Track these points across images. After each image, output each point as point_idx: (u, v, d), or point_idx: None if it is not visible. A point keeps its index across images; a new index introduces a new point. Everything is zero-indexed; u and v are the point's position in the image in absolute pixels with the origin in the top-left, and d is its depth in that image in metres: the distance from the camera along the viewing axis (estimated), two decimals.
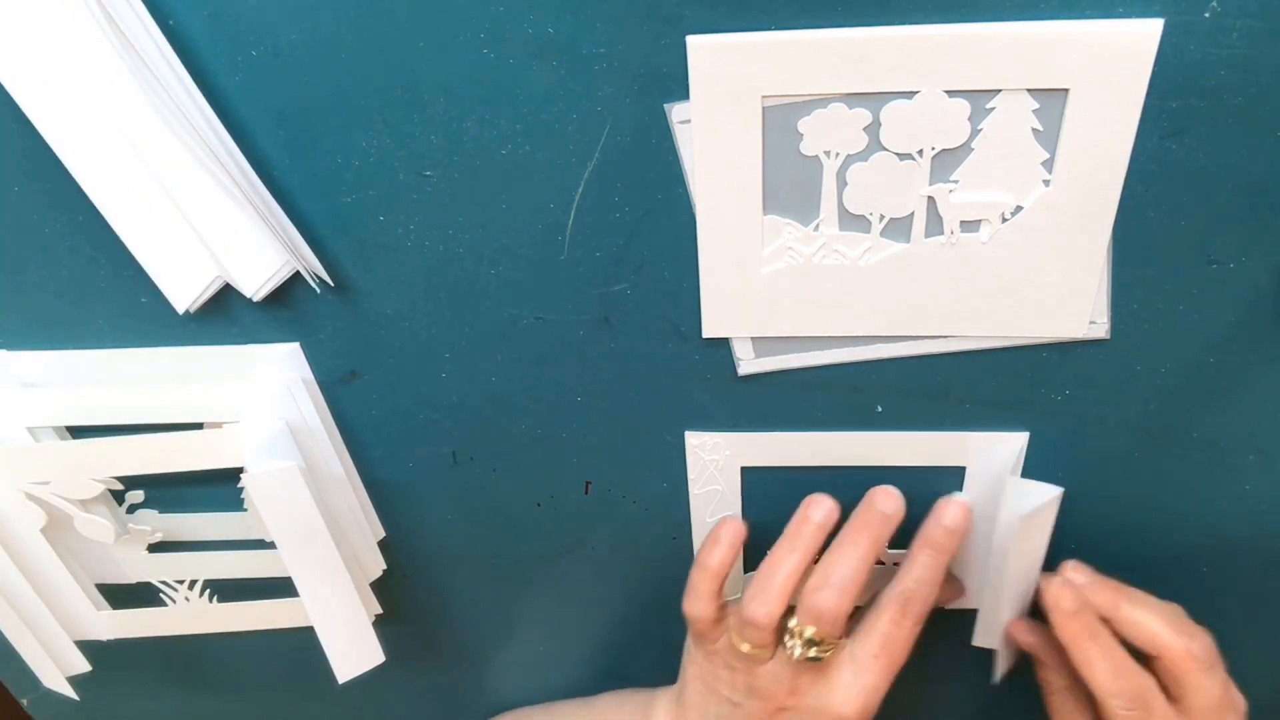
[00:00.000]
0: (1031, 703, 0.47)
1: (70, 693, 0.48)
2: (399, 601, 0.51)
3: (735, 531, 0.42)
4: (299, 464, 0.39)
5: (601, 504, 0.47)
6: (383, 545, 0.49)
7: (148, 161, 0.35)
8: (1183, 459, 0.41)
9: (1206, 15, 0.30)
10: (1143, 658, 0.39)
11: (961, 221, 0.35)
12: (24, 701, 0.57)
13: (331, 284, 0.39)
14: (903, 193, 0.35)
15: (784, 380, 0.41)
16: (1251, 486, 0.42)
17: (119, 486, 0.43)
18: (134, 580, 0.48)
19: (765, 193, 0.35)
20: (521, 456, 0.45)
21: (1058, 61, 0.31)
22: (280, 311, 0.40)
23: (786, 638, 0.41)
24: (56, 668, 0.47)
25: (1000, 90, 0.32)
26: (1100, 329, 0.38)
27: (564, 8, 0.32)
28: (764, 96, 0.33)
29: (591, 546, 0.49)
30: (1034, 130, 0.33)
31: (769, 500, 0.44)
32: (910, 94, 0.32)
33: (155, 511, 0.47)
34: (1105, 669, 0.39)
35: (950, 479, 0.43)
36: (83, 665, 0.48)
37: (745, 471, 0.44)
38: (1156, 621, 0.39)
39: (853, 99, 0.33)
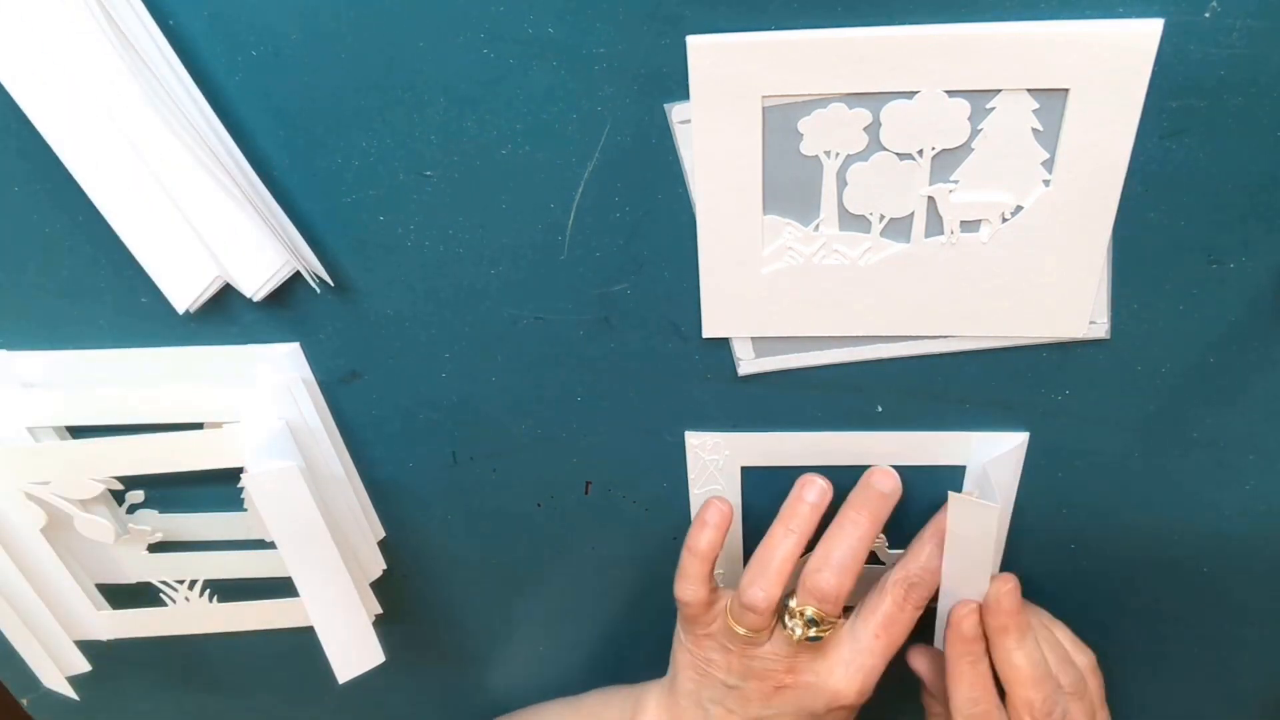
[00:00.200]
0: None
1: (70, 693, 0.48)
2: (399, 601, 0.51)
3: (721, 513, 0.42)
4: (299, 464, 0.39)
5: (601, 504, 0.47)
6: (383, 545, 0.49)
7: (148, 161, 0.35)
8: (1183, 459, 0.41)
9: (1206, 15, 0.30)
10: None
11: (961, 221, 0.35)
12: (24, 701, 0.57)
13: (331, 284, 0.39)
14: (903, 193, 0.35)
15: (784, 380, 0.41)
16: (1251, 486, 0.42)
17: (119, 486, 0.43)
18: (134, 580, 0.48)
19: (765, 193, 0.35)
20: (521, 456, 0.45)
21: (1058, 61, 0.31)
22: (280, 311, 0.40)
23: (786, 618, 0.41)
24: (56, 668, 0.47)
25: (1000, 90, 0.32)
26: (1100, 329, 0.38)
27: (564, 8, 0.32)
28: (764, 96, 0.33)
29: (591, 546, 0.49)
30: (1034, 130, 0.33)
31: (769, 500, 0.44)
32: (910, 94, 0.32)
33: (155, 511, 0.47)
34: (965, 692, 0.41)
35: (950, 479, 0.43)
36: (83, 665, 0.48)
37: (745, 471, 0.44)
38: (1018, 668, 0.40)
39: (853, 99, 0.33)
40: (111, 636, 0.48)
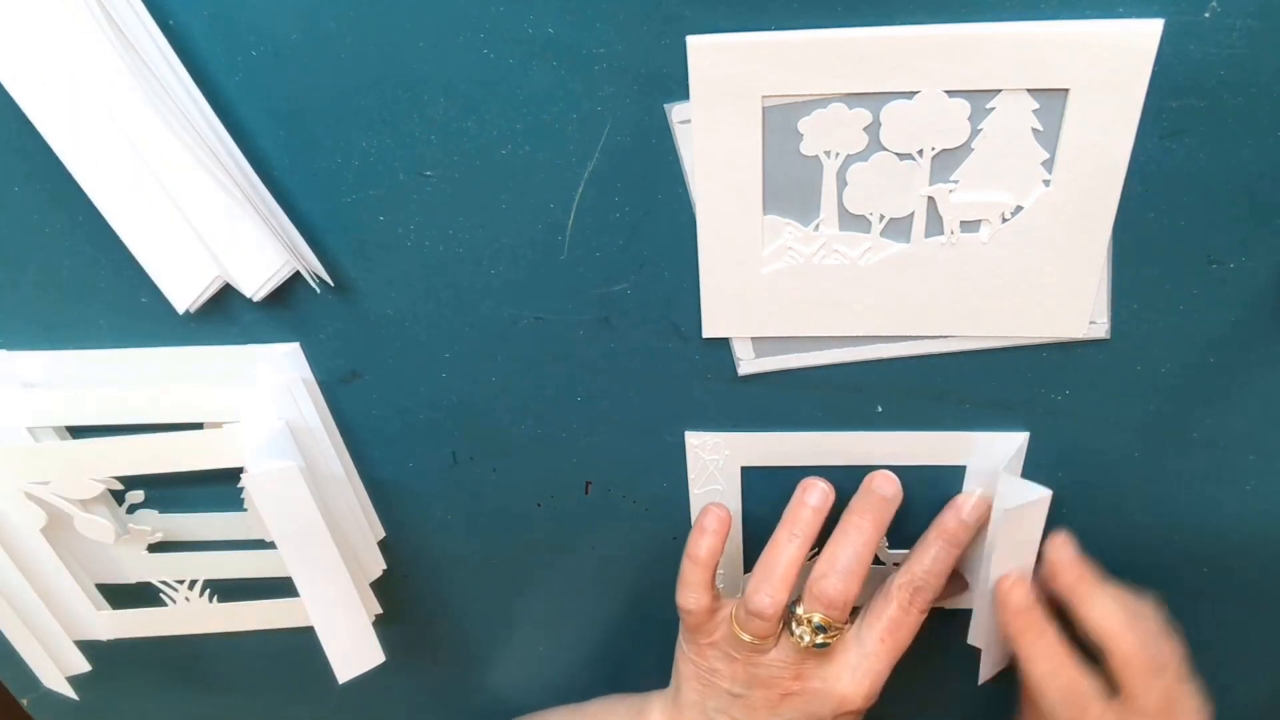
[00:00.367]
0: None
1: (70, 693, 0.48)
2: (399, 601, 0.51)
3: (719, 519, 0.41)
4: (299, 464, 0.39)
5: (601, 504, 0.47)
6: (383, 545, 0.49)
7: (148, 161, 0.35)
8: (1183, 459, 0.41)
9: (1206, 15, 0.30)
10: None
11: (961, 221, 0.35)
12: (24, 701, 0.57)
13: (331, 284, 0.39)
14: (903, 193, 0.35)
15: (784, 380, 0.41)
16: (1251, 486, 0.42)
17: (119, 486, 0.43)
18: (134, 580, 0.48)
19: (765, 193, 0.35)
20: (521, 456, 0.45)
21: (1058, 61, 0.31)
22: (280, 311, 0.40)
23: (794, 624, 0.41)
24: (56, 668, 0.47)
25: (1000, 90, 0.32)
26: (1100, 329, 0.38)
27: (564, 8, 0.32)
28: (764, 96, 0.33)
29: (591, 546, 0.49)
30: (1034, 130, 0.33)
31: (769, 500, 0.44)
32: (910, 94, 0.32)
33: (155, 511, 0.47)
34: (1042, 667, 0.39)
35: (950, 479, 0.43)
36: (83, 665, 0.48)
37: (745, 471, 0.44)
38: (1109, 617, 0.39)
39: (853, 99, 0.33)
40: (111, 636, 0.48)
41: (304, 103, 0.34)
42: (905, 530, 0.44)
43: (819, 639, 0.40)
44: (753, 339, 0.40)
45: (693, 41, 0.32)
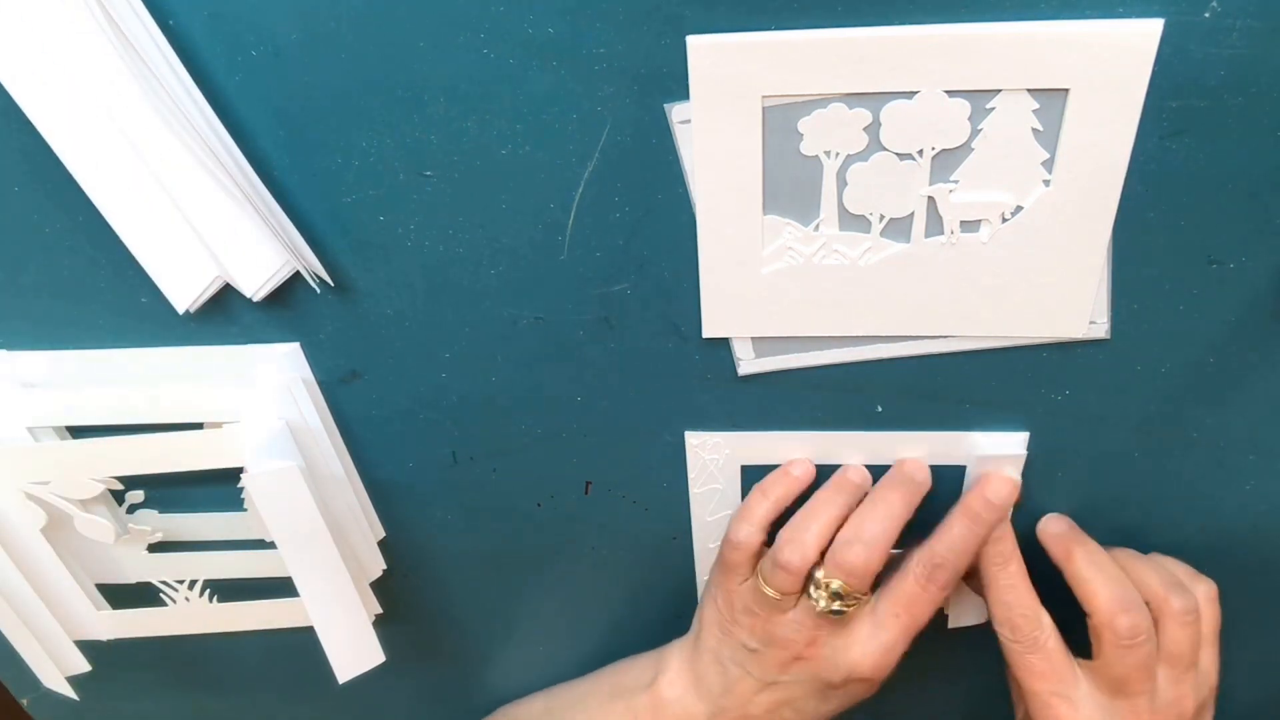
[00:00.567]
0: None
1: (70, 693, 0.48)
2: (399, 601, 0.51)
3: (808, 471, 0.42)
4: (299, 464, 0.39)
5: (601, 504, 0.47)
6: (383, 545, 0.49)
7: (148, 161, 0.35)
8: (1183, 459, 0.41)
9: (1206, 15, 0.30)
10: None
11: (961, 221, 0.35)
12: (24, 701, 0.57)
13: (331, 284, 0.39)
14: (903, 193, 0.35)
15: (784, 380, 0.41)
16: (1251, 486, 0.42)
17: (119, 486, 0.43)
18: (134, 580, 0.48)
19: (765, 193, 0.35)
20: (521, 456, 0.45)
21: (1058, 61, 0.31)
22: (280, 311, 0.40)
23: (812, 588, 0.41)
24: (56, 668, 0.47)
25: (1000, 90, 0.32)
26: (1100, 329, 0.38)
27: (564, 8, 0.32)
28: (764, 96, 0.33)
29: (591, 546, 0.49)
30: (1034, 130, 0.33)
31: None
32: (910, 94, 0.32)
33: (155, 511, 0.47)
34: (1004, 595, 0.41)
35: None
36: (83, 665, 0.48)
37: (745, 471, 0.44)
38: (1090, 578, 0.40)
39: (853, 99, 0.33)
40: (111, 636, 0.48)
41: (304, 103, 0.34)
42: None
43: (835, 605, 0.40)
44: (753, 339, 0.40)
45: (693, 41, 0.32)
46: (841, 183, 0.35)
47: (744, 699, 0.44)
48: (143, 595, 0.47)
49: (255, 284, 0.38)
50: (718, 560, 0.44)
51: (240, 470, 0.40)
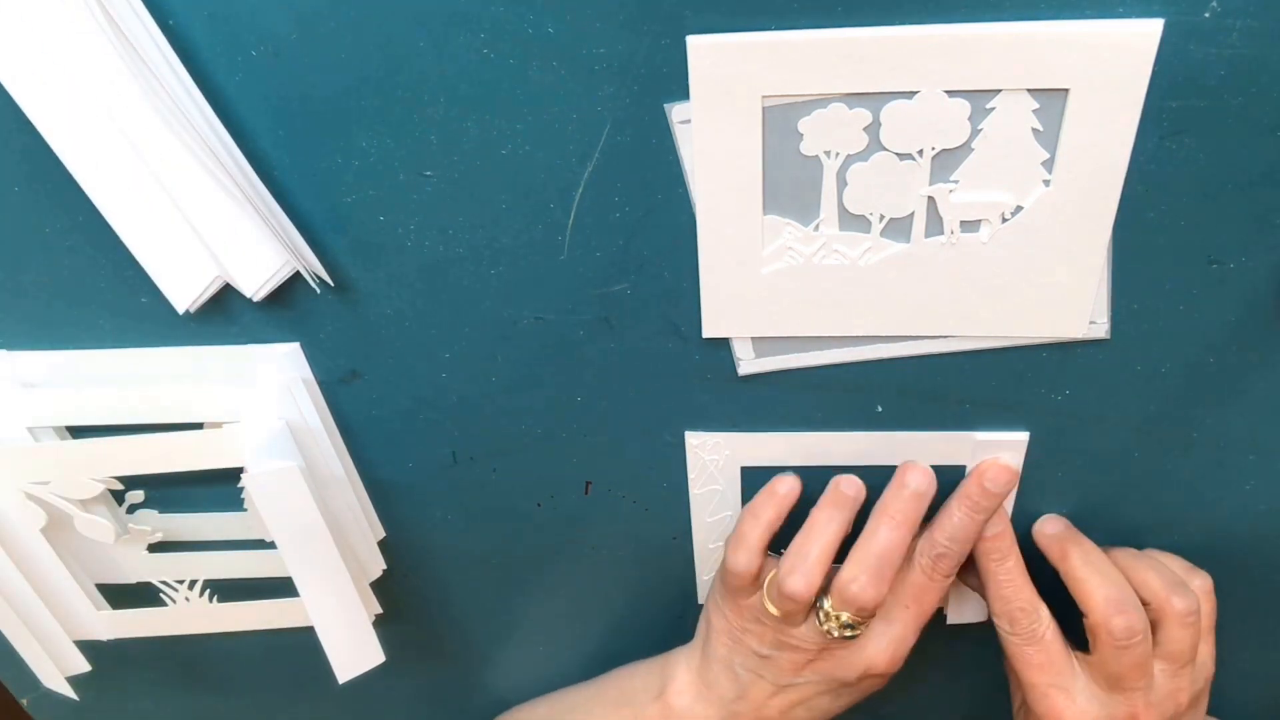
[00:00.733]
0: None
1: (70, 693, 0.48)
2: (399, 601, 0.51)
3: (793, 488, 0.42)
4: (299, 464, 0.39)
5: (601, 504, 0.47)
6: (383, 545, 0.49)
7: (148, 161, 0.35)
8: (1183, 459, 0.41)
9: (1206, 15, 0.30)
10: None
11: (961, 221, 0.35)
12: (24, 701, 0.57)
13: (331, 284, 0.39)
14: (903, 193, 0.35)
15: (784, 380, 0.41)
16: (1251, 486, 0.42)
17: (119, 486, 0.43)
18: (134, 580, 0.48)
19: (765, 193, 0.35)
20: (521, 456, 0.45)
21: (1058, 61, 0.31)
22: (280, 311, 0.40)
23: (822, 616, 0.41)
24: (56, 668, 0.47)
25: (1000, 90, 0.32)
26: (1100, 329, 0.38)
27: (564, 8, 0.32)
28: (764, 96, 0.33)
29: (591, 546, 0.49)
30: (1034, 130, 0.33)
31: None
32: (910, 94, 0.32)
33: (155, 511, 0.47)
34: (1002, 590, 0.41)
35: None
36: (83, 665, 0.48)
37: (745, 471, 0.44)
38: (1090, 583, 0.40)
39: (853, 99, 0.33)
40: (111, 636, 0.48)
41: (304, 103, 0.34)
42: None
43: (847, 634, 0.41)
44: (753, 339, 0.40)
45: (693, 41, 0.32)
46: (841, 183, 0.35)
47: (758, 703, 0.44)
48: (143, 595, 0.47)
49: (255, 284, 0.38)
50: (720, 581, 0.44)
51: (240, 470, 0.40)
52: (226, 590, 0.47)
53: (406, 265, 0.39)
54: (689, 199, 0.36)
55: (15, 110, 0.34)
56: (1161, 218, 0.35)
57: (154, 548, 0.47)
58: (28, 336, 0.42)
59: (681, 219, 0.36)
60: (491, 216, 0.37)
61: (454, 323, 0.40)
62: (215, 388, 0.41)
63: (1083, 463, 0.42)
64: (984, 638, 0.46)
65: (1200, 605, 0.40)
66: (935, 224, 0.35)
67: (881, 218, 0.35)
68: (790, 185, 0.35)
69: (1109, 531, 0.44)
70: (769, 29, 0.31)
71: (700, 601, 0.50)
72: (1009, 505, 0.43)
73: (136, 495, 0.46)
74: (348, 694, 0.52)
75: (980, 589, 0.43)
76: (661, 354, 0.41)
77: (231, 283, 0.38)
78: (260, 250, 0.37)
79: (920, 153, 0.34)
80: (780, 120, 0.33)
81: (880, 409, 0.41)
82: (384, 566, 0.48)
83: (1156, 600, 0.40)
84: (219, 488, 0.45)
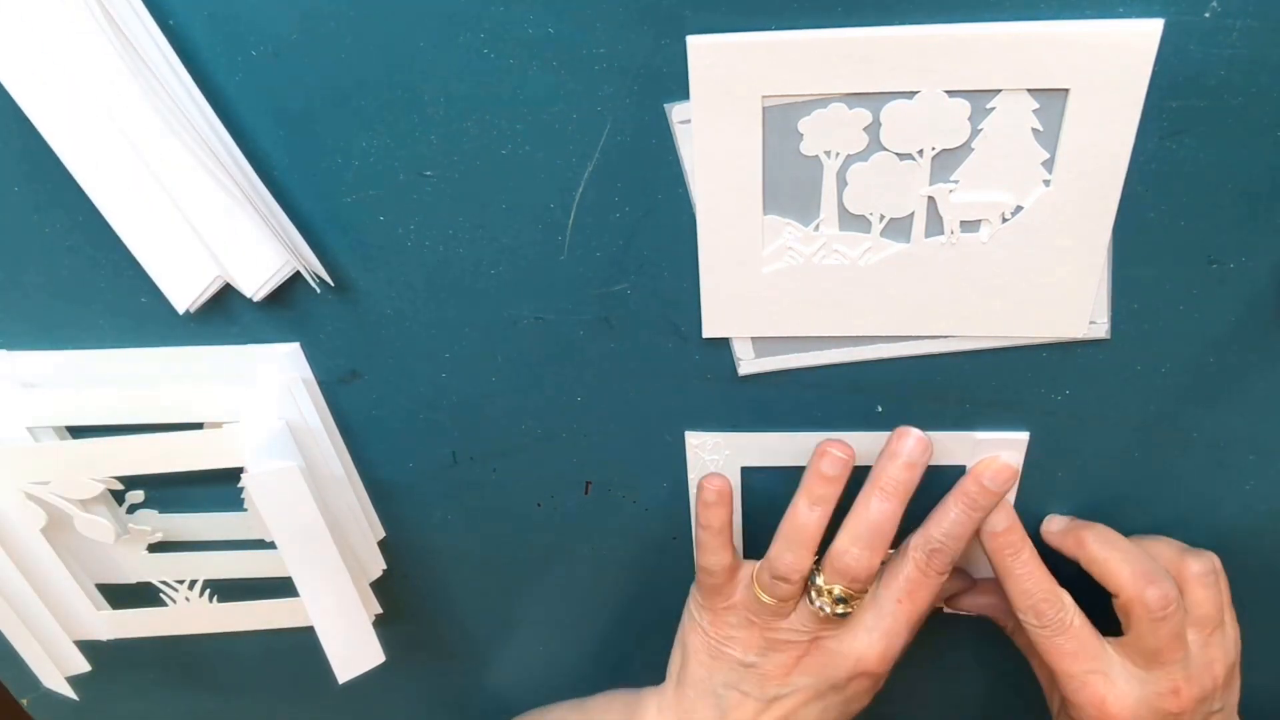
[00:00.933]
0: (1032, 703, 0.47)
1: (70, 693, 0.48)
2: (399, 601, 0.51)
3: (718, 490, 0.41)
4: (299, 464, 0.39)
5: (601, 504, 0.47)
6: (383, 545, 0.49)
7: (148, 161, 0.35)
8: (1183, 459, 0.41)
9: (1206, 15, 0.30)
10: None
11: (961, 221, 0.35)
12: (24, 701, 0.57)
13: (331, 284, 0.39)
14: (903, 193, 0.35)
15: (784, 380, 0.41)
16: (1251, 486, 0.42)
17: (119, 486, 0.43)
18: (134, 580, 0.48)
19: (765, 193, 0.35)
20: (521, 456, 0.45)
21: (1058, 61, 0.31)
22: (280, 311, 0.40)
23: (814, 594, 0.41)
24: (56, 668, 0.47)
25: (1000, 90, 0.32)
26: (1100, 329, 0.38)
27: (564, 8, 0.32)
28: (764, 96, 0.33)
29: (592, 546, 0.49)
30: (1034, 130, 0.33)
31: (770, 501, 0.44)
32: (910, 94, 0.32)
33: (155, 511, 0.47)
34: (1021, 584, 0.40)
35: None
36: (83, 665, 0.48)
37: (745, 471, 0.44)
38: (1114, 561, 0.39)
39: (853, 99, 0.33)
40: (111, 636, 0.48)
41: (304, 103, 0.34)
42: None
43: (839, 609, 0.40)
44: (753, 339, 0.40)
45: (693, 41, 0.32)
46: (841, 183, 0.35)
47: None
48: (143, 595, 0.47)
49: (255, 284, 0.38)
50: (695, 590, 0.44)
51: (240, 470, 0.40)
52: (226, 590, 0.47)
53: (406, 265, 0.39)
54: (689, 199, 0.36)
55: (15, 110, 0.34)
56: (1161, 218, 0.35)
57: (154, 548, 0.47)
58: (28, 336, 0.42)
59: (681, 219, 0.36)
60: (491, 216, 0.37)
61: (454, 323, 0.40)
62: (215, 388, 0.41)
63: (1083, 463, 0.42)
64: (984, 637, 0.46)
65: (1216, 565, 0.40)
66: (935, 224, 0.35)
67: (881, 218, 0.35)
68: (790, 185, 0.35)
69: None
70: (769, 29, 0.31)
71: None
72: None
73: (136, 495, 0.46)
74: (348, 694, 0.52)
75: (1027, 648, 0.43)
76: (661, 354, 0.41)
77: (231, 283, 0.38)
78: (260, 250, 0.37)
79: (920, 153, 0.34)
80: (780, 120, 0.33)
81: (880, 409, 0.41)
82: (384, 566, 0.48)
83: (1173, 567, 0.40)
84: (219, 488, 0.45)
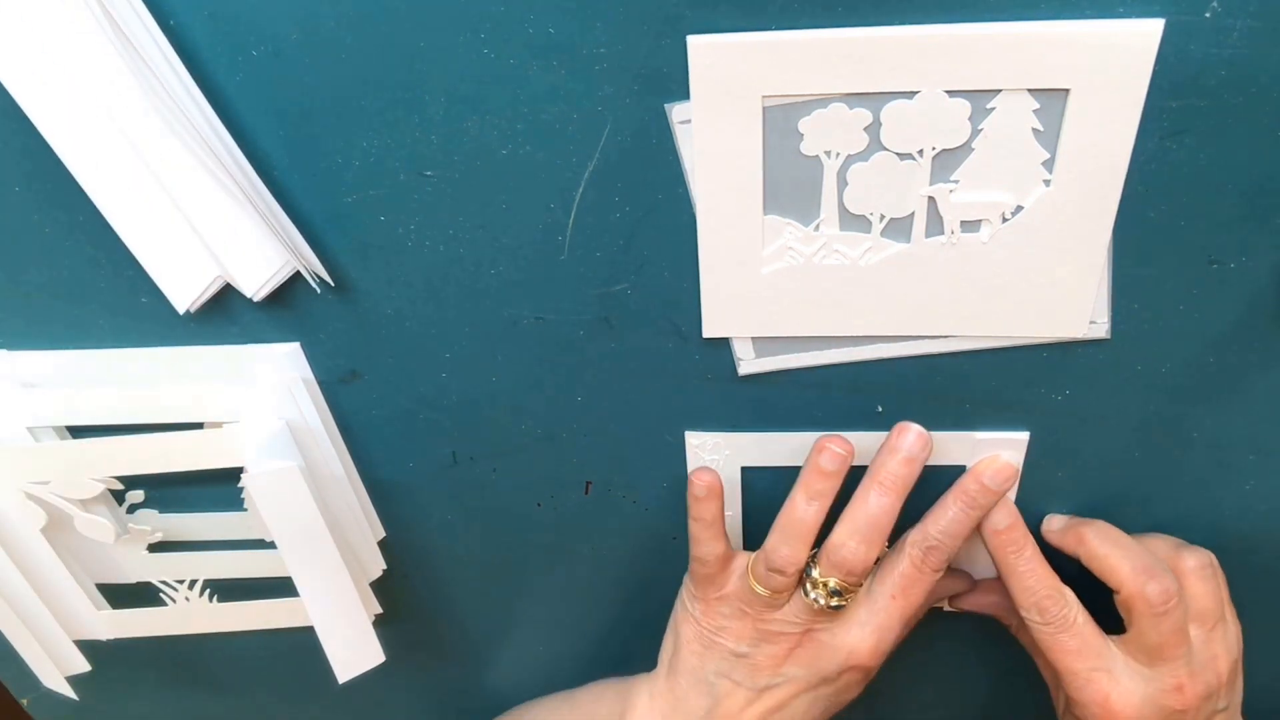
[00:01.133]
0: (1037, 702, 0.47)
1: (70, 693, 0.48)
2: (399, 601, 0.51)
3: (708, 484, 0.41)
4: (299, 464, 0.39)
5: (601, 504, 0.47)
6: (383, 545, 0.49)
7: (148, 161, 0.35)
8: (1183, 459, 0.41)
9: (1206, 15, 0.30)
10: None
11: (962, 221, 0.35)
12: (24, 701, 0.57)
13: (331, 284, 0.39)
14: (903, 193, 0.35)
15: (784, 380, 0.41)
16: (1251, 486, 0.42)
17: (119, 486, 0.43)
18: (134, 580, 0.48)
19: (765, 193, 0.35)
20: (521, 456, 0.45)
21: (1058, 61, 0.31)
22: (280, 311, 0.40)
23: (809, 586, 0.41)
24: (56, 668, 0.47)
25: (1000, 90, 0.32)
26: (1100, 329, 0.38)
27: (564, 8, 0.32)
28: (764, 96, 0.33)
29: (592, 545, 0.49)
30: (1034, 130, 0.33)
31: (769, 500, 0.44)
32: (910, 94, 0.32)
33: (155, 511, 0.47)
34: (1021, 583, 0.40)
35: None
36: (83, 665, 0.48)
37: (745, 471, 0.44)
38: (1114, 557, 0.40)
39: (853, 99, 0.33)
40: (111, 636, 0.48)
41: (304, 103, 0.34)
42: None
43: (834, 602, 0.40)
44: (753, 339, 0.40)
45: (693, 41, 0.32)
46: (842, 183, 0.35)
47: (733, 714, 0.43)
48: (143, 595, 0.47)
49: (255, 284, 0.38)
50: (689, 580, 0.44)
51: (240, 470, 0.40)
52: (226, 590, 0.47)
53: (406, 265, 0.39)
54: (689, 199, 0.36)
55: (15, 110, 0.34)
56: (1161, 218, 0.35)
57: (154, 548, 0.47)
58: (28, 336, 0.42)
59: (681, 219, 0.36)
60: (491, 216, 0.37)
61: (454, 323, 0.40)
62: (215, 388, 0.41)
63: (1083, 463, 0.42)
64: (989, 636, 0.46)
65: (1212, 559, 0.40)
66: (935, 224, 0.35)
67: (882, 218, 0.35)
68: (790, 185, 0.35)
69: None
70: (769, 29, 0.31)
71: None
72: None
73: (136, 495, 0.46)
74: (348, 694, 0.52)
75: (1031, 646, 0.43)
76: (661, 354, 0.41)
77: (232, 283, 0.38)
78: (260, 250, 0.37)
79: (920, 153, 0.34)
80: (780, 120, 0.33)
81: (880, 409, 0.41)
82: (384, 566, 0.48)
83: (1169, 563, 0.40)
84: (219, 488, 0.45)
